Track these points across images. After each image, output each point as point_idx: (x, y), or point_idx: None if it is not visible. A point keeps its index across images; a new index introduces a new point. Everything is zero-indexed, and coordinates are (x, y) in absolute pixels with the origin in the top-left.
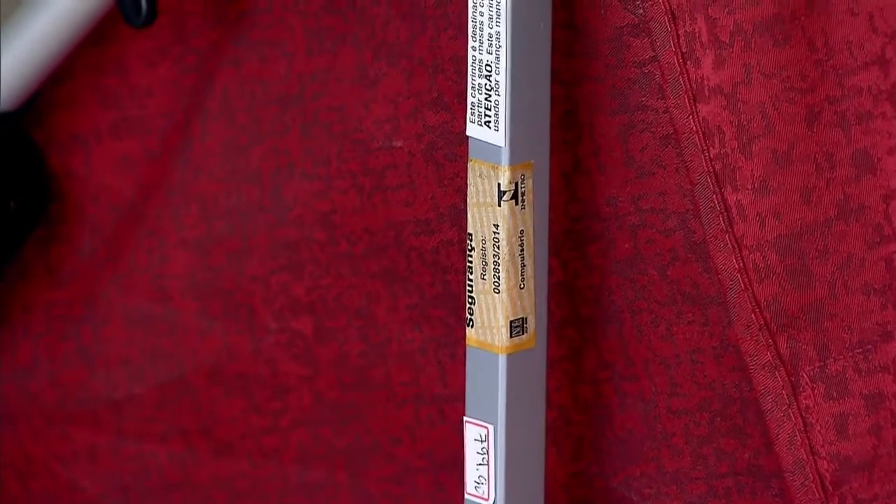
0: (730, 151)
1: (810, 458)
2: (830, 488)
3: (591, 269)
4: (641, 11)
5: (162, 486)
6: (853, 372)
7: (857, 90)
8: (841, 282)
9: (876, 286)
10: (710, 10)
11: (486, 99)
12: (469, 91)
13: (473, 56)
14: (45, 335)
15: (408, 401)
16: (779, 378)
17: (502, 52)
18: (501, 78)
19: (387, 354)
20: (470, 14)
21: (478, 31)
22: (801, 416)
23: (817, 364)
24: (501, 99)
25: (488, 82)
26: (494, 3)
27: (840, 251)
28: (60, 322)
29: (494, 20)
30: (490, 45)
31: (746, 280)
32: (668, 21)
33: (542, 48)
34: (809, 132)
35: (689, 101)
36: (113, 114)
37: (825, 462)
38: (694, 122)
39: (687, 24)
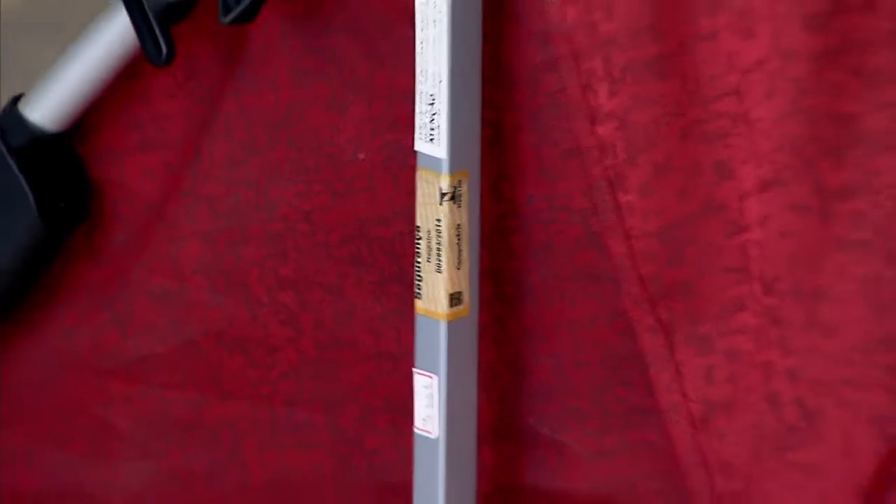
0: (620, 162)
1: (683, 400)
2: (699, 424)
3: (513, 255)
4: (552, 52)
5: (179, 425)
6: (716, 334)
7: (718, 114)
8: (707, 264)
9: (733, 267)
10: (605, 51)
11: (430, 122)
12: (416, 115)
13: (420, 88)
14: (88, 306)
15: (370, 357)
16: (659, 339)
17: (443, 85)
18: (442, 106)
19: (354, 321)
20: (417, 54)
21: (423, 67)
22: (677, 368)
23: (688, 328)
24: (442, 122)
25: (432, 108)
26: (437, 44)
27: (706, 239)
28: (99, 297)
29: (436, 59)
30: (433, 79)
31: (633, 262)
32: (573, 60)
33: (474, 81)
34: (682, 147)
35: (588, 123)
36: (140, 134)
37: (695, 404)
38: (592, 139)
39: (587, 62)
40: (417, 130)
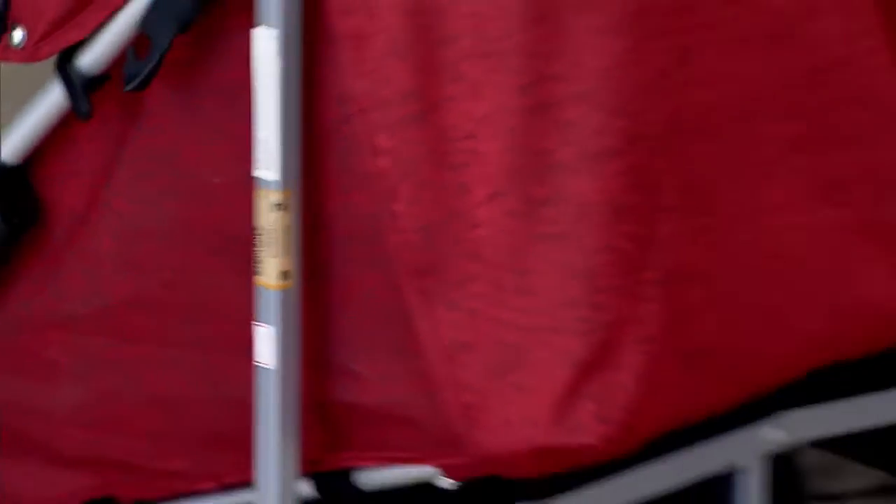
0: (394, 184)
1: (439, 343)
2: (449, 359)
3: (324, 246)
4: (347, 109)
5: (100, 361)
6: (460, 298)
7: (460, 150)
8: (452, 251)
9: (470, 253)
10: (384, 109)
11: (265, 156)
12: (256, 151)
13: (258, 132)
14: (38, 284)
15: (230, 314)
16: (422, 301)
17: (274, 131)
18: (274, 145)
19: (220, 288)
20: (256, 109)
21: (261, 119)
22: (434, 321)
23: (441, 294)
24: (274, 156)
25: (267, 147)
26: (269, 103)
27: (451, 235)
28: (45, 276)
29: (269, 113)
30: (268, 127)
31: (403, 250)
32: (361, 115)
33: (295, 128)
34: (436, 172)
35: (372, 156)
36: (71, 166)
37: (447, 345)
38: (375, 168)
39: (371, 116)
40: (257, 162)
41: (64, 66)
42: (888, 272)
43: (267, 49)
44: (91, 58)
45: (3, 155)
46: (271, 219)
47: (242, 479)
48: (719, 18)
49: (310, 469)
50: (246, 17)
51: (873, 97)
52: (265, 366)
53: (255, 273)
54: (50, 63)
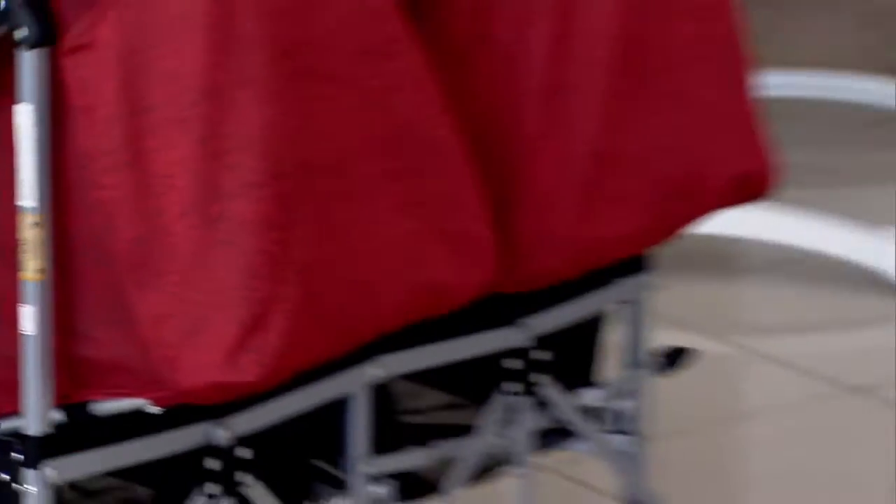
0: (115, 209)
1: (148, 315)
2: (156, 325)
3: (67, 252)
4: (82, 159)
5: None
6: (162, 284)
7: (162, 184)
8: (157, 254)
9: (166, 254)
10: (106, 156)
11: (26, 191)
12: (20, 187)
13: (21, 175)
14: None
15: (7, 297)
16: (137, 287)
17: (29, 173)
18: (31, 182)
19: (2, 281)
20: (20, 159)
21: (23, 166)
22: (145, 300)
23: (150, 282)
24: (30, 191)
25: (27, 185)
26: (26, 157)
27: (160, 242)
28: None
29: (26, 163)
30: (26, 170)
31: (123, 254)
32: (91, 162)
33: (46, 172)
34: (142, 200)
35: (99, 191)
36: None
37: (151, 316)
38: (101, 198)
39: (97, 163)
40: (20, 192)
41: None
42: (449, 263)
43: (26, 119)
44: None
45: None
46: (30, 233)
47: (14, 410)
48: (333, 94)
49: (61, 402)
50: (11, 97)
51: (437, 145)
52: (28, 333)
53: (21, 270)
54: None
